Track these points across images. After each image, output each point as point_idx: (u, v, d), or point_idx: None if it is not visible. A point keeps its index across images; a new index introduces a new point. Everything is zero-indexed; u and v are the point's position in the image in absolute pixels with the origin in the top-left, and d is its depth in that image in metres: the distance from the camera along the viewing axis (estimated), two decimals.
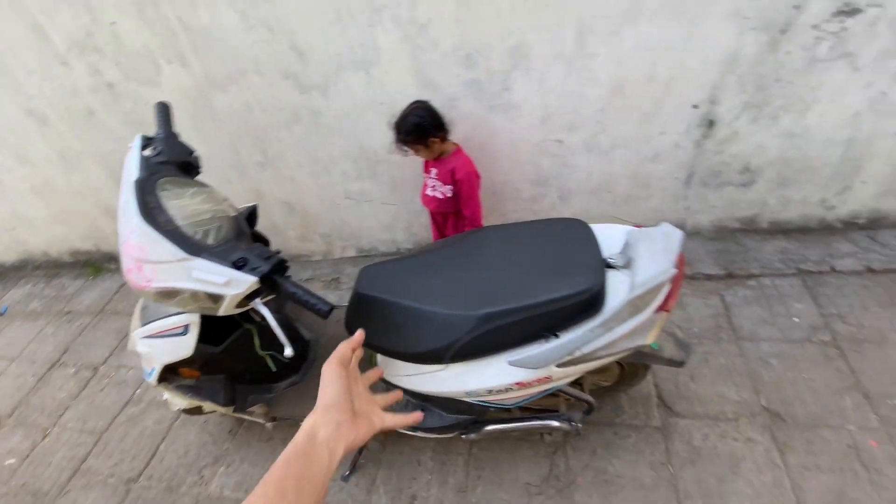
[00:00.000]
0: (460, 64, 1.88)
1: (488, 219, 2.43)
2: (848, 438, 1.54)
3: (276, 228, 2.69)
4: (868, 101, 1.79)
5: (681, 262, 1.10)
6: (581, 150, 2.09)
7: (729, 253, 2.20)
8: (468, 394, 1.24)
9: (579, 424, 1.43)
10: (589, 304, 1.07)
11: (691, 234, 2.32)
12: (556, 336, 1.11)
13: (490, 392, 1.22)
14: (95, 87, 2.27)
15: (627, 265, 1.12)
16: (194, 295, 1.06)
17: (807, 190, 2.07)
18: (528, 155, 2.15)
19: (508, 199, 2.34)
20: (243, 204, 1.33)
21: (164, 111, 1.33)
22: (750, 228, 2.25)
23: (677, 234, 1.08)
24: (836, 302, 1.93)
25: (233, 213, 1.17)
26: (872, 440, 1.52)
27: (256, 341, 1.47)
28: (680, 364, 1.46)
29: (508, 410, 1.55)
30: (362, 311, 1.32)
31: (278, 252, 1.07)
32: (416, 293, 1.23)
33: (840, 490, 1.43)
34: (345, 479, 1.76)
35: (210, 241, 1.06)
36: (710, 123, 1.92)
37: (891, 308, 1.86)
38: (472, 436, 1.51)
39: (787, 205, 2.13)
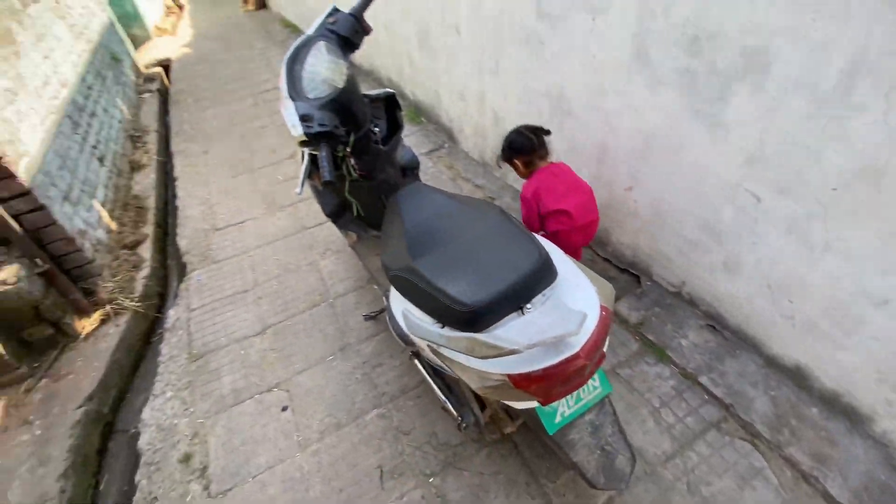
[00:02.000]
0: (682, 45, 1.51)
1: (615, 232, 2.09)
2: None
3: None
4: None
5: (569, 362, 0.89)
6: (781, 224, 1.47)
7: None
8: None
9: (461, 420, 1.40)
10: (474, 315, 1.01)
11: None
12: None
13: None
14: None
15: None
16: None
17: None
18: (710, 191, 1.65)
19: (667, 226, 1.89)
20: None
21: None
22: None
23: (570, 327, 0.85)
24: None
25: (341, 86, 1.47)
26: None
27: (347, 186, 1.85)
28: (591, 485, 1.20)
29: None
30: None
31: (347, 131, 1.36)
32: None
33: None
34: (367, 318, 2.19)
35: (310, 95, 1.42)
36: None
37: None
38: (416, 361, 1.62)
39: None
